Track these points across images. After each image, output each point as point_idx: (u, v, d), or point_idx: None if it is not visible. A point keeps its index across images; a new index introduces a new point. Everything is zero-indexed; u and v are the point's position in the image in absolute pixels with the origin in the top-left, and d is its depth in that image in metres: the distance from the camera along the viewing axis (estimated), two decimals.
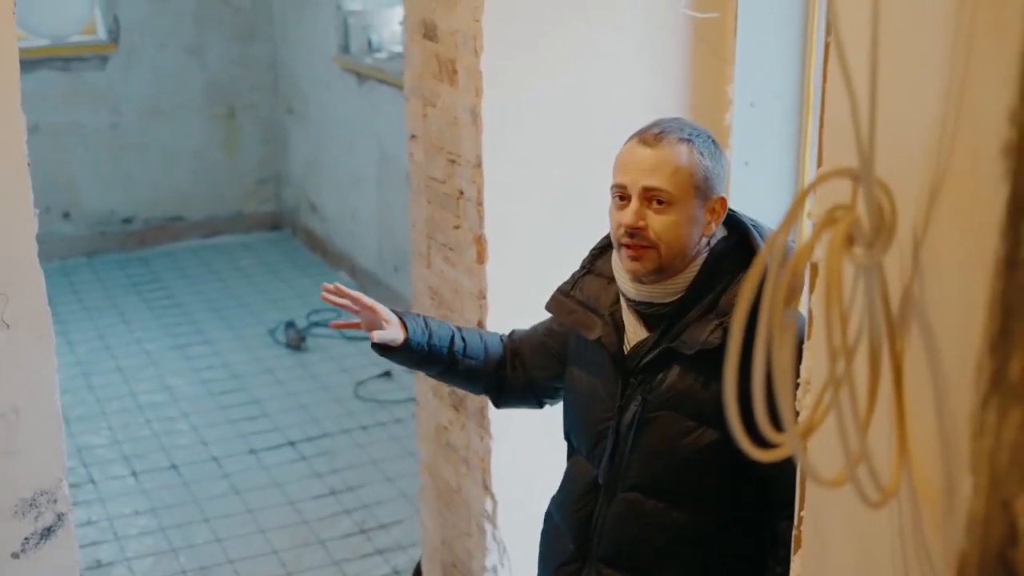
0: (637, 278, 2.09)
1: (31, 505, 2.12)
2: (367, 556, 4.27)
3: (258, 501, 4.63)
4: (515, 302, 2.72)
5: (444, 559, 3.60)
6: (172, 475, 4.85)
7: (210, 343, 6.21)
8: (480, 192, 3.01)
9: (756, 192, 3.18)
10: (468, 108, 2.99)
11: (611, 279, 2.20)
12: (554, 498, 2.39)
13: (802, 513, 1.44)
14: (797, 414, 1.30)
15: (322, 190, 7.42)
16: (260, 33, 7.73)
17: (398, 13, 6.41)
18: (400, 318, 2.34)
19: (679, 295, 2.09)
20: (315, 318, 6.33)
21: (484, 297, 3.08)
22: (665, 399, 2.10)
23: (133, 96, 7.46)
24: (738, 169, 3.18)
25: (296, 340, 6.10)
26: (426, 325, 2.36)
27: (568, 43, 3.00)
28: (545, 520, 2.41)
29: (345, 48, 6.77)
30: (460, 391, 3.18)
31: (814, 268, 1.32)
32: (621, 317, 2.17)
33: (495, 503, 3.23)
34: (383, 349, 2.33)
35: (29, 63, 6.62)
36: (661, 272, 2.07)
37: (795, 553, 1.49)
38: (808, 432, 1.14)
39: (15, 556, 2.12)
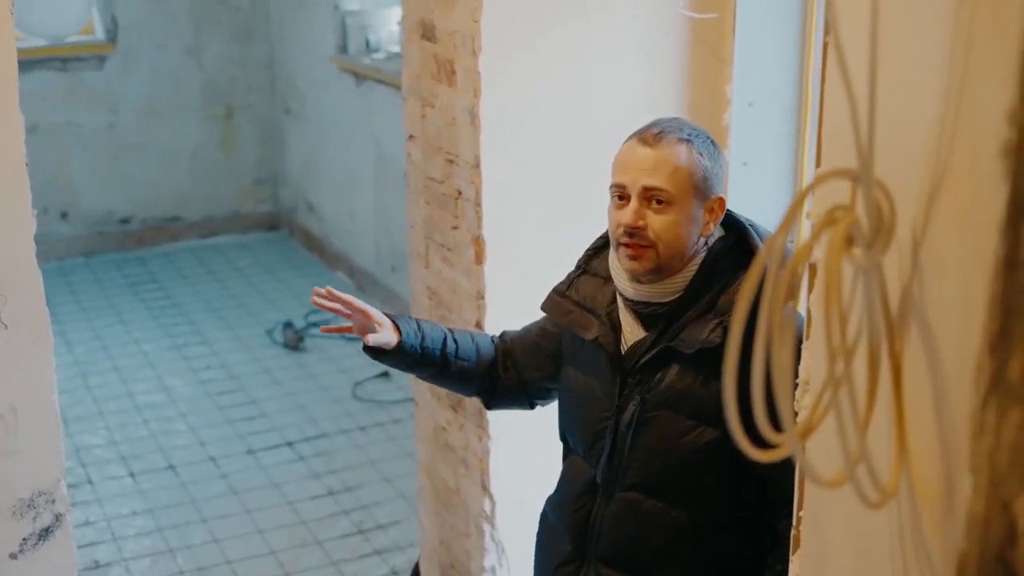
0: (635, 277, 2.09)
1: (29, 506, 2.12)
2: (365, 556, 4.27)
3: (256, 501, 4.63)
4: (513, 302, 2.72)
5: (442, 559, 3.60)
6: (170, 475, 4.84)
7: (208, 343, 6.21)
8: (478, 192, 3.01)
9: (754, 192, 3.18)
10: (466, 108, 2.99)
11: (607, 279, 2.21)
12: (550, 499, 2.39)
13: (801, 513, 1.44)
14: (796, 414, 1.30)
15: (320, 190, 7.42)
16: (258, 33, 7.72)
17: (396, 13, 6.41)
18: (393, 321, 2.34)
19: (677, 295, 2.09)
20: (313, 318, 6.32)
21: (482, 297, 3.08)
22: (664, 398, 2.10)
23: (131, 96, 7.46)
24: (736, 169, 3.18)
25: (294, 340, 6.10)
26: (419, 327, 2.35)
27: (567, 43, 3.00)
28: (540, 521, 2.41)
29: (343, 48, 6.77)
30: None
31: (813, 268, 1.32)
32: (618, 317, 2.17)
33: (493, 503, 3.23)
34: (376, 352, 2.32)
35: (27, 63, 6.62)
36: (659, 272, 2.07)
37: (794, 553, 1.49)
38: (807, 432, 1.14)
39: (13, 557, 2.12)
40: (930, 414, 1.02)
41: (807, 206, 1.24)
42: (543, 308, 2.31)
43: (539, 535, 2.41)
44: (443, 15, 3.04)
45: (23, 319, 2.04)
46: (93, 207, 7.50)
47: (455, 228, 3.16)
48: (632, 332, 2.15)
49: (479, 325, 3.09)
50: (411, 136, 3.36)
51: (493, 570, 3.31)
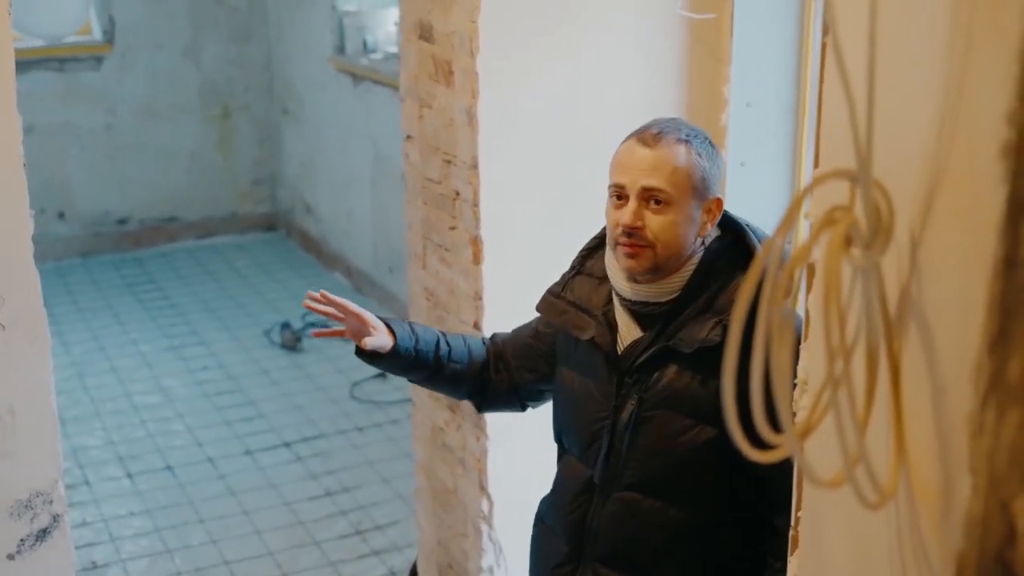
0: (632, 277, 2.09)
1: (27, 507, 2.12)
2: (363, 557, 4.27)
3: (254, 502, 4.62)
4: (511, 303, 2.72)
5: (440, 560, 3.60)
6: (167, 476, 4.84)
7: (205, 344, 6.20)
8: (476, 193, 3.01)
9: (752, 193, 3.18)
10: (464, 109, 2.99)
11: (602, 279, 2.21)
12: (545, 500, 2.39)
13: (799, 513, 1.44)
14: (794, 415, 1.30)
15: (317, 191, 7.41)
16: (255, 34, 7.72)
17: (393, 14, 6.41)
18: (386, 324, 2.33)
19: (675, 294, 2.10)
20: (310, 319, 6.32)
21: (480, 298, 3.08)
22: (662, 398, 2.10)
23: (128, 97, 7.46)
24: (734, 169, 3.18)
25: (291, 341, 6.10)
26: (412, 330, 2.35)
27: (565, 44, 3.00)
28: (535, 523, 2.41)
29: (340, 49, 6.77)
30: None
31: (811, 269, 1.32)
32: (614, 317, 2.17)
33: (491, 504, 3.23)
34: (370, 356, 2.32)
35: (24, 64, 6.61)
36: (656, 271, 2.07)
37: (792, 554, 1.49)
38: (806, 433, 1.14)
39: (11, 558, 2.12)
40: (929, 414, 1.02)
41: (805, 206, 1.24)
42: (538, 309, 2.31)
43: (534, 537, 2.40)
44: (441, 16, 3.04)
45: (20, 320, 2.04)
46: (90, 208, 7.50)
47: (453, 229, 3.16)
48: (628, 332, 2.15)
49: (477, 326, 3.09)
50: (409, 137, 3.36)
51: (491, 570, 3.31)
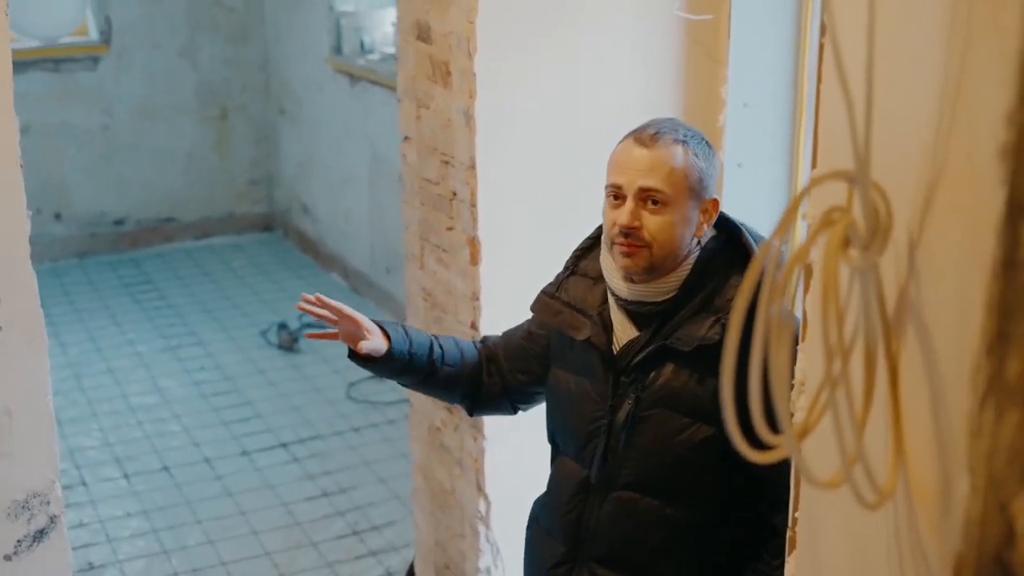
0: (629, 276, 2.10)
1: (24, 507, 2.12)
2: (360, 558, 4.26)
3: (250, 503, 4.62)
4: (509, 304, 2.72)
5: (437, 560, 3.60)
6: (164, 477, 4.83)
7: (202, 344, 6.20)
8: (474, 193, 3.01)
9: (749, 193, 3.18)
10: (462, 110, 2.99)
11: (596, 279, 2.21)
12: (539, 501, 2.39)
13: (796, 514, 1.44)
14: (792, 415, 1.30)
15: (314, 191, 7.41)
16: (252, 34, 7.72)
17: (390, 14, 6.41)
18: (381, 328, 2.32)
19: (671, 294, 2.10)
20: (307, 319, 6.31)
21: (478, 299, 3.08)
22: (659, 397, 2.10)
23: (125, 97, 7.45)
24: (731, 170, 3.18)
25: (288, 341, 6.09)
26: (406, 333, 2.34)
27: (562, 45, 3.00)
28: (529, 524, 2.40)
29: (337, 49, 6.77)
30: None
31: (808, 270, 1.32)
32: (609, 317, 2.18)
33: (488, 504, 3.23)
34: (364, 360, 2.30)
35: (21, 64, 6.60)
36: (652, 271, 2.08)
37: (789, 554, 1.49)
38: (804, 433, 1.14)
39: (7, 558, 2.11)
40: (927, 415, 1.02)
41: (803, 207, 1.24)
42: (532, 309, 2.32)
43: (529, 538, 2.40)
44: (438, 16, 3.04)
45: (17, 320, 2.04)
46: (87, 208, 7.49)
47: (450, 229, 3.16)
48: (624, 331, 2.15)
49: (474, 326, 3.09)
50: (406, 137, 3.36)
51: (488, 571, 3.31)
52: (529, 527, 2.41)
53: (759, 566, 2.11)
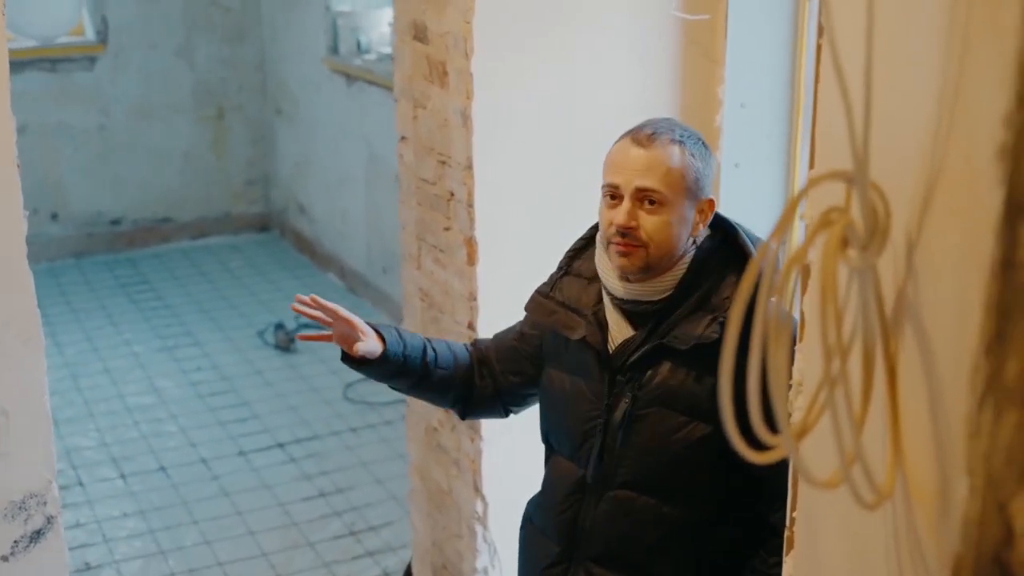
0: (624, 276, 2.10)
1: (21, 508, 2.11)
2: (357, 558, 4.26)
3: (247, 503, 4.62)
4: (506, 304, 2.72)
5: (435, 561, 3.60)
6: (161, 477, 4.83)
7: (199, 345, 6.20)
8: (471, 194, 3.00)
9: (746, 194, 3.18)
10: (459, 110, 2.99)
11: (590, 279, 2.22)
12: (532, 501, 2.39)
13: (794, 514, 1.44)
14: (789, 415, 1.30)
15: (311, 191, 7.41)
16: (249, 34, 7.71)
17: (387, 14, 6.41)
18: (374, 329, 2.31)
19: (667, 293, 2.11)
20: (304, 320, 6.30)
21: (475, 299, 3.08)
22: (656, 395, 2.11)
23: (121, 97, 7.44)
24: (728, 171, 3.18)
25: (285, 342, 6.09)
26: (400, 335, 2.33)
27: (559, 45, 3.00)
28: (523, 524, 2.40)
29: (334, 49, 6.76)
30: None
31: (806, 270, 1.32)
32: (604, 316, 2.18)
33: (486, 505, 3.23)
34: (357, 362, 2.29)
35: (17, 64, 6.60)
36: (648, 270, 2.08)
37: (787, 554, 1.49)
38: (802, 433, 1.14)
39: (5, 559, 2.11)
40: (926, 415, 1.03)
41: (800, 208, 1.24)
42: (527, 309, 2.32)
43: (523, 538, 2.40)
44: (435, 16, 3.04)
45: (14, 321, 2.03)
46: (83, 208, 7.49)
47: (447, 229, 3.16)
48: (620, 331, 2.16)
49: (472, 327, 3.09)
50: (403, 137, 3.36)
51: (485, 571, 3.31)
52: (523, 527, 2.40)
53: (756, 564, 2.11)
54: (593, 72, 3.05)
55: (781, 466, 1.54)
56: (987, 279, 0.88)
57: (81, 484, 4.75)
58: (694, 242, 2.12)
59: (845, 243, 1.02)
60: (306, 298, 2.28)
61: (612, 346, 2.16)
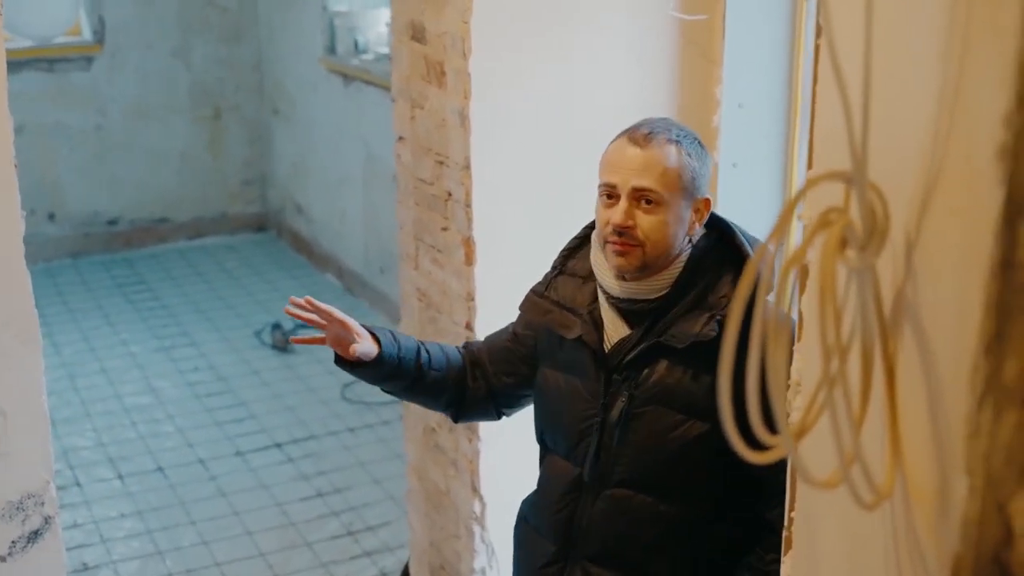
0: (621, 275, 2.10)
1: (18, 508, 2.11)
2: (355, 558, 4.26)
3: (245, 503, 4.61)
4: (504, 304, 2.72)
5: (432, 561, 3.59)
6: (158, 477, 4.83)
7: (196, 345, 6.19)
8: (468, 194, 3.00)
9: (744, 194, 3.18)
10: (456, 110, 2.99)
11: (585, 278, 2.22)
12: (527, 500, 2.39)
13: (792, 514, 1.44)
14: (788, 415, 1.30)
15: (308, 192, 7.40)
16: (245, 34, 7.71)
17: (384, 14, 6.40)
18: (369, 331, 2.29)
19: (664, 291, 2.11)
20: (300, 321, 6.30)
21: (472, 299, 3.07)
22: (653, 394, 2.11)
23: (118, 97, 7.44)
24: (726, 171, 3.18)
25: (282, 342, 6.08)
26: (394, 337, 2.32)
27: (557, 45, 3.00)
28: (518, 524, 2.40)
29: (331, 49, 6.76)
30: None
31: (804, 270, 1.32)
32: (599, 315, 2.18)
33: (483, 505, 3.23)
34: (351, 365, 2.28)
35: (14, 64, 6.59)
36: (644, 269, 2.09)
37: (785, 554, 1.48)
38: (801, 433, 1.14)
39: (2, 560, 2.11)
40: (925, 415, 1.03)
41: (799, 208, 1.24)
42: (521, 308, 2.33)
43: (518, 538, 2.40)
44: (433, 16, 3.03)
45: (12, 321, 2.03)
46: (80, 208, 7.48)
47: (445, 229, 3.16)
48: (615, 329, 2.16)
49: (469, 327, 3.09)
50: (401, 138, 3.36)
51: (483, 571, 3.31)
52: (517, 527, 2.40)
53: (753, 561, 2.11)
54: (591, 72, 3.05)
55: (778, 464, 1.54)
56: (986, 279, 0.88)
57: (78, 484, 4.75)
58: (690, 241, 2.13)
59: (844, 243, 1.02)
60: (300, 300, 2.26)
61: (608, 345, 2.17)
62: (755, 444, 1.02)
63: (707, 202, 2.13)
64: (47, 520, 2.15)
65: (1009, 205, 0.85)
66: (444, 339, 3.18)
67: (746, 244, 2.14)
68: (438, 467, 3.43)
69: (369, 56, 6.51)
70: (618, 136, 2.14)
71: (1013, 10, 0.84)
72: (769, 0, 3.12)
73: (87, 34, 7.39)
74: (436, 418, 3.40)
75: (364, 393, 5.54)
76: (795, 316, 1.42)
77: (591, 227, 2.25)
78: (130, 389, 5.65)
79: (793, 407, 1.34)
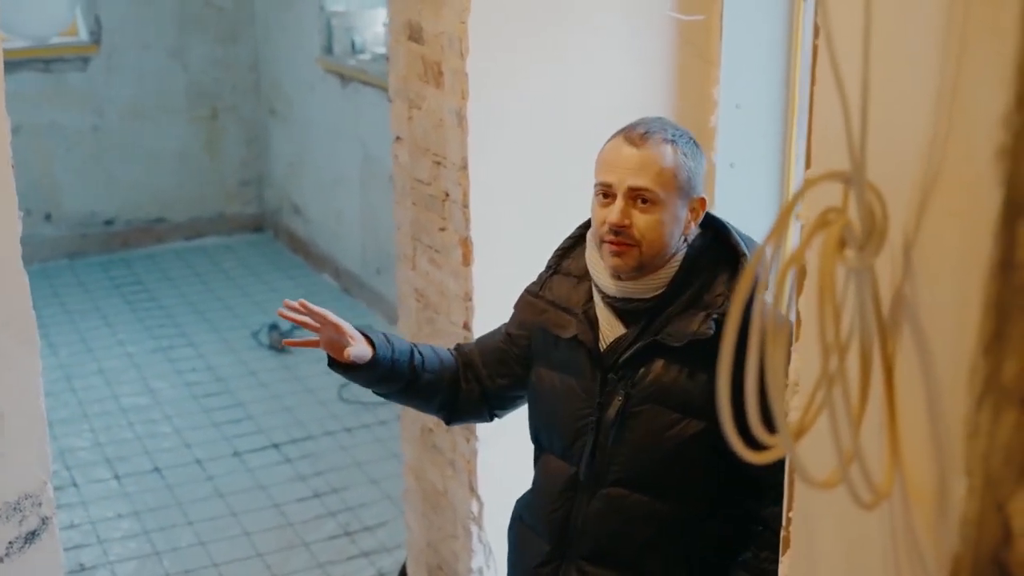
0: (617, 274, 2.11)
1: (15, 509, 2.11)
2: (352, 558, 4.26)
3: (242, 504, 4.61)
4: (502, 304, 2.72)
5: (430, 561, 3.59)
6: (155, 478, 4.82)
7: (193, 345, 6.19)
8: (466, 194, 3.00)
9: (741, 194, 3.18)
10: (454, 110, 2.99)
11: (579, 278, 2.22)
12: (522, 500, 2.39)
13: (790, 514, 1.43)
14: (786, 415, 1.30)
15: (305, 192, 7.40)
16: (242, 34, 7.70)
17: (381, 14, 6.40)
18: (362, 334, 2.28)
19: (660, 290, 2.12)
20: None
21: (470, 299, 3.07)
22: (649, 393, 2.11)
23: (115, 97, 7.43)
24: (723, 171, 3.18)
25: (279, 343, 6.08)
26: (388, 340, 2.31)
27: (554, 45, 3.00)
28: (512, 523, 2.40)
29: (328, 49, 6.76)
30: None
31: (803, 271, 1.32)
32: (595, 314, 2.18)
33: (481, 505, 3.23)
34: (344, 368, 2.27)
35: (11, 64, 6.58)
36: (640, 269, 2.10)
37: (783, 554, 1.48)
38: (800, 433, 1.14)
39: (0, 560, 2.11)
40: (923, 415, 1.03)
41: (797, 208, 1.24)
42: (516, 308, 2.33)
43: (513, 538, 2.40)
44: (430, 16, 3.03)
45: (9, 322, 2.03)
46: (77, 209, 7.47)
47: (442, 230, 3.16)
48: (611, 329, 2.16)
49: (467, 327, 3.09)
50: (398, 138, 3.35)
51: (480, 572, 3.31)
52: (512, 526, 2.41)
53: (749, 560, 2.12)
54: (588, 72, 3.05)
55: (776, 462, 1.55)
56: (985, 279, 0.88)
57: (76, 485, 4.74)
58: (686, 240, 2.14)
59: (842, 243, 1.02)
60: (294, 303, 2.24)
61: (603, 344, 2.17)
62: (753, 444, 1.02)
63: (703, 201, 2.14)
64: (44, 521, 2.15)
65: (1008, 206, 0.85)
66: (442, 339, 3.18)
67: (741, 243, 2.15)
68: (435, 467, 3.43)
69: (366, 56, 6.51)
70: (614, 136, 2.14)
71: (1012, 10, 0.84)
72: (766, 0, 3.12)
73: (83, 34, 7.38)
74: (433, 418, 3.39)
75: (361, 393, 5.53)
76: (793, 316, 1.42)
77: (585, 226, 2.25)
78: (127, 390, 5.65)
79: (791, 407, 1.34)
